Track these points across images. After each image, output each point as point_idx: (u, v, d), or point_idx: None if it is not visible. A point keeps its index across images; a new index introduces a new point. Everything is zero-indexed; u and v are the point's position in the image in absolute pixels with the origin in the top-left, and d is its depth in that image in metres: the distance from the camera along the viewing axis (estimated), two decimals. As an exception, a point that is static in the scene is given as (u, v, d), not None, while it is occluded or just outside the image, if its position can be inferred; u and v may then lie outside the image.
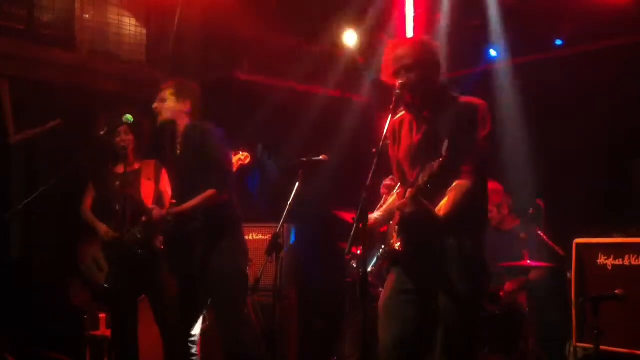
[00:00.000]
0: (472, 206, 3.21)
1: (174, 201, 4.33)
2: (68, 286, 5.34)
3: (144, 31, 6.66)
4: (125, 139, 4.68)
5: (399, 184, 3.52)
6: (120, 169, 4.65)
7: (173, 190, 4.49)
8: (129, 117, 4.33)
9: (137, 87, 6.30)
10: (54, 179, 4.21)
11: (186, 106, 4.27)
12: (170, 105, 4.26)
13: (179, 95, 4.27)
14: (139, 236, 4.43)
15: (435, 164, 2.98)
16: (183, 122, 4.28)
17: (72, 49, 6.13)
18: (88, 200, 4.86)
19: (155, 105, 4.30)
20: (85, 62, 6.18)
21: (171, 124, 4.29)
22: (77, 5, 6.21)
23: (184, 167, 4.27)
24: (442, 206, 3.16)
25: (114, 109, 4.56)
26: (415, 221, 3.17)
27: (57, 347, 5.49)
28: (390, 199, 3.60)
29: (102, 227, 4.67)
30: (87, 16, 6.28)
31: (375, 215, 3.45)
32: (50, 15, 6.07)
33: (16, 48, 5.78)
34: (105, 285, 4.55)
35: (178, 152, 4.30)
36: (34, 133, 5.69)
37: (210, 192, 4.13)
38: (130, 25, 6.56)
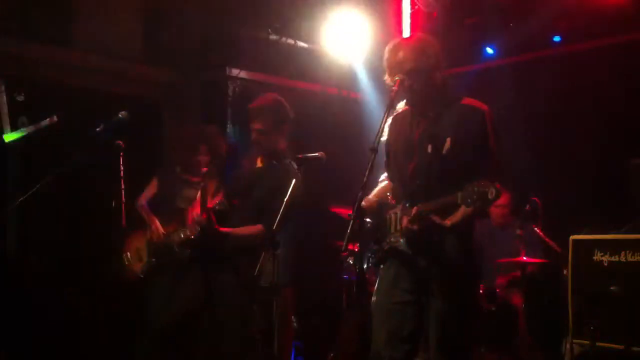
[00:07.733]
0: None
1: None
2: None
3: (141, 29, 6.63)
4: (203, 159, 4.75)
5: (392, 175, 3.53)
6: (187, 176, 4.75)
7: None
8: (124, 115, 4.33)
9: (134, 84, 6.29)
10: (50, 176, 4.21)
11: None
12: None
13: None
14: (183, 237, 4.47)
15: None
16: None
17: (68, 47, 6.10)
18: (148, 194, 4.90)
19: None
20: (81, 60, 6.16)
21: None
22: (73, 2, 6.18)
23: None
24: (453, 216, 3.18)
25: (110, 107, 4.55)
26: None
27: (53, 348, 5.48)
28: (383, 184, 3.61)
29: (155, 222, 4.70)
30: (84, 13, 6.25)
31: (369, 198, 3.45)
32: (46, 12, 6.04)
33: (12, 45, 5.76)
34: (141, 276, 4.64)
35: None
36: (29, 130, 5.67)
37: (259, 227, 4.27)
38: (127, 23, 6.54)
